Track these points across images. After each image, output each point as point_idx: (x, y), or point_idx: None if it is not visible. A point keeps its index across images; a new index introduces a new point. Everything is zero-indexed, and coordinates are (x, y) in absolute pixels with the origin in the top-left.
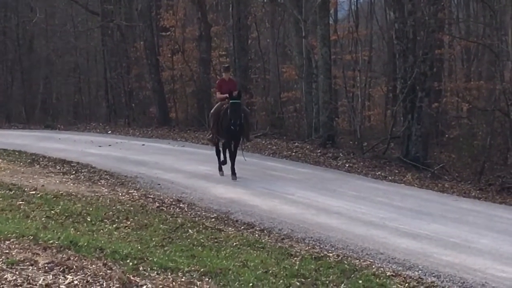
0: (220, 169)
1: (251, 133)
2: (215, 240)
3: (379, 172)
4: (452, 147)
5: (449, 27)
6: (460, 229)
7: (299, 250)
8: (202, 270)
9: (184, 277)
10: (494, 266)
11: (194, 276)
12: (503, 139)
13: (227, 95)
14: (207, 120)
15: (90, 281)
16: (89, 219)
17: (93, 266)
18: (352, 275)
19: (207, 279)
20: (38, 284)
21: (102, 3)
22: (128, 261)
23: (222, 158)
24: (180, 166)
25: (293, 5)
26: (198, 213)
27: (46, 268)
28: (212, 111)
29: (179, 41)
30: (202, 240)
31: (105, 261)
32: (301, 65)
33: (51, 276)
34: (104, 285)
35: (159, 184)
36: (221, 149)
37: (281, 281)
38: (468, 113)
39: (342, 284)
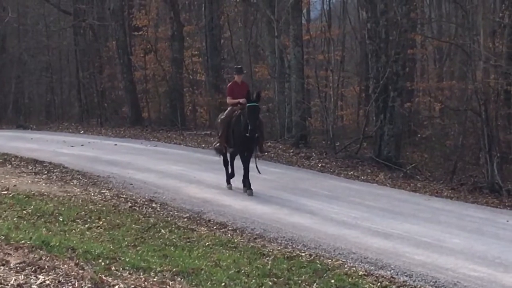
0: (228, 181)
1: (265, 143)
2: (188, 240)
3: (351, 172)
4: (424, 147)
5: (421, 27)
6: (432, 229)
7: (271, 250)
8: (174, 270)
9: (156, 277)
10: (466, 265)
11: (167, 276)
12: (475, 139)
13: (239, 100)
14: (179, 119)
15: (62, 281)
16: (61, 219)
17: (65, 266)
18: (325, 275)
19: (179, 278)
20: (9, 284)
21: (74, 2)
22: (100, 261)
23: (230, 170)
24: (153, 166)
25: (266, 5)
26: (171, 213)
27: (18, 268)
28: (221, 117)
29: (151, 41)
30: (174, 240)
31: (77, 261)
32: (274, 65)
33: (22, 276)
34: (76, 285)
35: (131, 184)
36: (228, 159)
37: (253, 280)
38: (441, 113)
39: (315, 284)
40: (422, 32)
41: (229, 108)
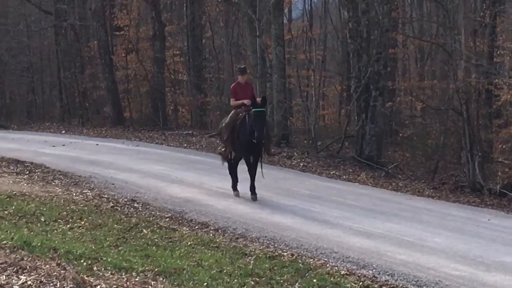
0: (235, 188)
1: (272, 145)
2: (170, 240)
3: (333, 171)
4: (406, 146)
5: (402, 26)
6: (414, 228)
7: (253, 250)
8: (156, 270)
9: (138, 277)
10: (448, 264)
11: (148, 276)
12: (457, 138)
13: (243, 101)
14: (161, 119)
15: (44, 281)
16: (43, 219)
17: (47, 266)
18: (307, 274)
19: (161, 278)
20: None
21: (56, 2)
22: (82, 261)
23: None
24: (135, 166)
25: (247, 5)
26: (153, 212)
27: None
28: (226, 120)
29: (133, 41)
30: (156, 240)
31: (59, 261)
32: (255, 64)
33: (4, 276)
34: (58, 286)
35: (113, 184)
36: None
37: (235, 280)
38: (422, 112)
39: (297, 283)
40: (403, 32)
41: (232, 111)
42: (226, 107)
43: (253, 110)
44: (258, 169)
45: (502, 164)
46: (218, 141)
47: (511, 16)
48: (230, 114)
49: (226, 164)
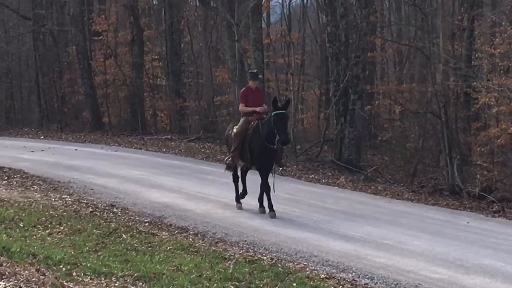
0: (238, 200)
1: (284, 156)
2: (149, 245)
3: (312, 175)
4: (385, 150)
5: (381, 30)
6: (393, 231)
7: (233, 254)
8: (135, 274)
9: (117, 282)
10: (427, 267)
11: (128, 281)
12: (435, 141)
13: (255, 108)
14: (139, 124)
15: (23, 287)
16: (21, 225)
17: (26, 272)
18: (286, 278)
19: (140, 283)
20: None
21: (34, 7)
22: (61, 266)
23: (241, 188)
24: (114, 171)
25: (226, 9)
26: (132, 217)
27: None
28: (235, 129)
29: (111, 46)
30: (135, 245)
31: (38, 267)
32: (234, 68)
33: None
34: None
35: (92, 189)
36: (239, 175)
37: (215, 285)
38: (401, 116)
39: (276, 287)
40: (381, 35)
41: (243, 119)
42: (205, 111)
43: (274, 112)
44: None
45: (480, 167)
46: (225, 149)
47: (489, 20)
48: (240, 122)
49: (225, 171)
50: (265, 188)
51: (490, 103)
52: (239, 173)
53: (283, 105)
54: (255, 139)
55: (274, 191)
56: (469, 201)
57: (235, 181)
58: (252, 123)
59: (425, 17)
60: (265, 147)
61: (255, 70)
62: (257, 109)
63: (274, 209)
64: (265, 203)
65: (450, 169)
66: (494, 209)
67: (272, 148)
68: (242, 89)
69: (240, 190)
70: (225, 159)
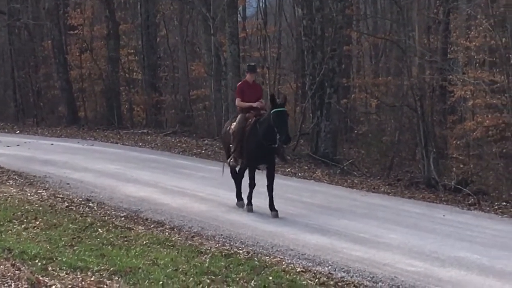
0: (240, 197)
1: (285, 150)
2: (125, 239)
3: (288, 169)
4: (361, 143)
5: (357, 23)
6: (369, 224)
7: (209, 248)
8: (111, 269)
9: (93, 277)
10: (403, 260)
11: (104, 275)
12: (411, 135)
13: (252, 104)
14: (116, 118)
15: None
16: None
17: (1, 267)
18: (262, 272)
19: (116, 278)
20: None
21: (9, 2)
22: (37, 261)
23: (240, 186)
24: (90, 165)
25: (201, 3)
26: (108, 212)
27: None
28: (232, 127)
29: (87, 40)
30: (111, 239)
31: (13, 262)
32: (210, 62)
33: None
34: (13, 286)
35: (68, 184)
36: (236, 173)
37: (191, 278)
38: (377, 109)
39: (252, 281)
40: (357, 29)
41: (239, 116)
42: (182, 105)
43: (273, 110)
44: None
45: (456, 160)
46: (221, 147)
47: (464, 13)
48: (238, 120)
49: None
50: (250, 183)
51: (466, 96)
52: (236, 172)
53: (282, 102)
54: (252, 138)
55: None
56: (445, 194)
57: (236, 178)
58: (250, 120)
59: (401, 10)
60: (262, 146)
61: (253, 63)
62: (254, 104)
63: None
64: (258, 201)
65: (426, 162)
66: (470, 202)
67: (271, 146)
68: (239, 83)
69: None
70: (228, 160)
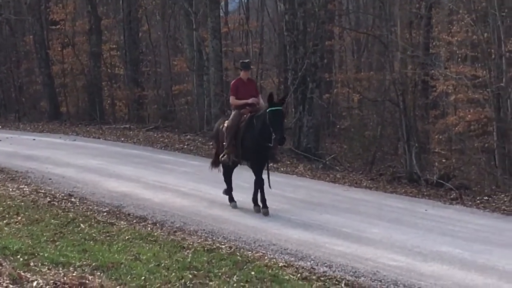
0: (232, 198)
1: (278, 151)
2: (107, 234)
3: (271, 164)
4: (343, 138)
5: (339, 18)
6: (352, 219)
7: (191, 243)
8: (94, 264)
9: (75, 272)
10: (385, 255)
11: (86, 270)
12: (394, 129)
13: (247, 101)
14: (98, 113)
15: None
16: None
17: None
18: (245, 267)
19: (99, 273)
20: None
21: None
22: (18, 256)
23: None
24: (72, 160)
25: None
26: (90, 207)
27: None
28: (225, 123)
29: (69, 35)
30: (94, 235)
31: None
32: (192, 57)
33: None
34: None
35: (50, 179)
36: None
37: (173, 274)
38: (359, 104)
39: (235, 276)
40: (340, 24)
41: (234, 112)
42: (164, 100)
43: (270, 109)
44: (264, 177)
45: (438, 155)
46: (212, 145)
47: (446, 8)
48: (232, 116)
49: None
50: (258, 185)
51: (448, 91)
52: (227, 170)
53: (280, 100)
54: (248, 135)
55: (271, 187)
56: (427, 189)
57: (227, 179)
58: (245, 116)
59: (383, 5)
60: (259, 144)
61: (247, 60)
62: (249, 100)
63: (267, 205)
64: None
65: (408, 157)
66: (452, 196)
67: (267, 145)
68: (233, 81)
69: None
70: (220, 157)
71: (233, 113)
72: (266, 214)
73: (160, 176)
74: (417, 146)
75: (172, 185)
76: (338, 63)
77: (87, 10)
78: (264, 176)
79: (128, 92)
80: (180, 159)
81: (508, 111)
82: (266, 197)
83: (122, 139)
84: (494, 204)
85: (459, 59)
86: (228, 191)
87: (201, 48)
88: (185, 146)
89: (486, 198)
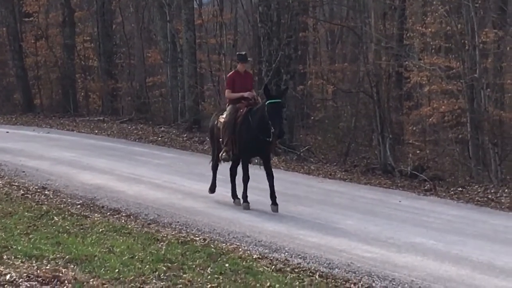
0: (235, 195)
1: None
2: (81, 227)
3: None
4: (317, 129)
5: (313, 10)
6: (326, 211)
7: (165, 235)
8: (67, 257)
9: (49, 265)
10: (359, 247)
11: (60, 263)
12: (368, 121)
13: (243, 94)
14: (71, 106)
15: None
16: None
17: None
18: (219, 259)
19: (72, 266)
20: None
21: None
22: None
23: (233, 182)
24: (46, 153)
25: None
26: (64, 200)
27: None
28: (222, 119)
29: (42, 27)
30: (67, 227)
31: None
32: (166, 49)
33: None
34: None
35: (23, 172)
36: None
37: (147, 266)
38: (333, 95)
39: (209, 268)
40: (314, 15)
41: (230, 107)
42: (138, 92)
43: (269, 101)
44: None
45: (412, 146)
46: (207, 140)
47: None
48: (228, 111)
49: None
50: (244, 178)
51: (422, 82)
52: (218, 165)
53: (279, 93)
54: (245, 130)
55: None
56: (401, 180)
57: (233, 176)
58: (241, 110)
59: None
60: (257, 138)
61: (244, 52)
62: (245, 94)
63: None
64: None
65: (383, 148)
66: (425, 187)
67: (266, 140)
68: (229, 73)
69: (216, 183)
70: (219, 155)
71: (228, 107)
72: (275, 211)
73: (134, 168)
74: (391, 137)
75: (146, 177)
76: (312, 54)
77: (60, 2)
78: (261, 172)
79: (102, 84)
80: (154, 151)
81: (481, 102)
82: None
83: (96, 131)
84: (467, 195)
85: (433, 50)
86: (233, 189)
87: (175, 40)
88: (159, 138)
89: (460, 189)
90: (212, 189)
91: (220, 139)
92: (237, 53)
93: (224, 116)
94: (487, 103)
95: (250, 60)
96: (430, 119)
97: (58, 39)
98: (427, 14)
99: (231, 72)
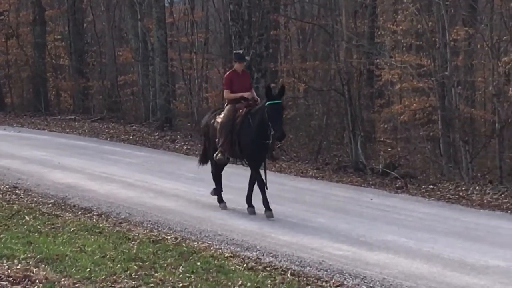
0: (221, 199)
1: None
2: (52, 226)
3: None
4: (289, 127)
5: (284, 8)
6: (297, 209)
7: (137, 234)
8: (38, 256)
9: (20, 265)
10: (331, 245)
11: (31, 263)
12: (339, 119)
13: (242, 94)
14: (43, 104)
15: None
16: None
17: None
18: (191, 258)
19: (43, 265)
20: None
21: None
22: None
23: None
24: (16, 152)
25: None
26: (35, 199)
27: None
28: (219, 120)
29: (13, 26)
30: (38, 227)
31: None
32: (137, 48)
33: None
34: None
35: None
36: (216, 170)
37: (118, 265)
38: (305, 93)
39: (180, 267)
40: (285, 13)
41: (228, 107)
42: (109, 91)
43: (268, 102)
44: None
45: (384, 144)
46: (199, 141)
47: None
48: (226, 111)
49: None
50: (259, 184)
51: (393, 80)
52: (215, 169)
53: (278, 93)
54: (244, 131)
55: (267, 188)
56: (372, 178)
57: (217, 179)
58: (240, 110)
59: None
60: (257, 141)
61: (241, 51)
62: (245, 94)
63: (271, 207)
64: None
65: (354, 146)
66: (397, 185)
67: (266, 142)
68: (227, 73)
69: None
70: (214, 155)
71: (227, 108)
72: (270, 216)
73: (106, 167)
74: (363, 135)
75: (117, 176)
76: (284, 52)
77: (31, 1)
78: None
79: (73, 83)
80: (126, 150)
81: (452, 100)
82: (256, 198)
83: (67, 130)
84: (439, 193)
85: (404, 48)
86: (217, 191)
87: (146, 38)
88: (131, 137)
89: (431, 186)
90: (220, 199)
91: (216, 139)
92: (234, 52)
93: (221, 116)
94: (458, 100)
95: (247, 59)
96: (402, 117)
97: (28, 37)
98: (398, 12)
99: (229, 72)
